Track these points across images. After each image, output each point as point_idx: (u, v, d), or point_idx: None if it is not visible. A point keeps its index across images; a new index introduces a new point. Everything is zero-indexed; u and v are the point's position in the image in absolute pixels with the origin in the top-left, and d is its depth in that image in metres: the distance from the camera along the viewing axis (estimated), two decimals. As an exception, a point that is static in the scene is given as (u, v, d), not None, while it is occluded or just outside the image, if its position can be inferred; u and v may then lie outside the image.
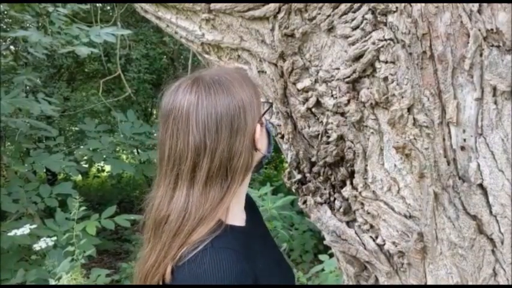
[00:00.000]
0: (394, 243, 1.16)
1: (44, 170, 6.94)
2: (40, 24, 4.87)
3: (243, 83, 1.07)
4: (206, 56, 1.39)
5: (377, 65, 1.07)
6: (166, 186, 1.04)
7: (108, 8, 6.88)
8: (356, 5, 1.08)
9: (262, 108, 1.10)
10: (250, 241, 1.11)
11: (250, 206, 1.25)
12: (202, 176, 1.01)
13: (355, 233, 1.26)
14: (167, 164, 1.04)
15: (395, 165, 1.12)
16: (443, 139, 1.03)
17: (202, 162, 1.01)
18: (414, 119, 1.04)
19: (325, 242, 1.33)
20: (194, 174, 1.01)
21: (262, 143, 1.09)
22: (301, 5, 1.13)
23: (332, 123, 1.20)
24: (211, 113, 1.00)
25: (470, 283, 1.08)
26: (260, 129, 1.07)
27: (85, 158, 5.73)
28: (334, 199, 1.29)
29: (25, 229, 3.33)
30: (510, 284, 1.04)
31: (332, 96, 1.18)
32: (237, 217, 1.10)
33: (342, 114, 1.18)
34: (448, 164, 1.04)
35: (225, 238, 1.00)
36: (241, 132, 1.02)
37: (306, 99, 1.23)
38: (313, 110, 1.23)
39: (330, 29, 1.12)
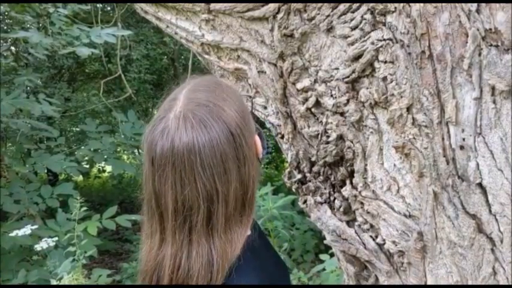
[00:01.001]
0: (394, 242, 1.17)
1: (45, 171, 6.95)
2: (41, 25, 4.87)
3: (226, 97, 0.99)
4: (206, 56, 1.40)
5: (376, 64, 1.07)
6: (179, 242, 0.93)
7: (109, 8, 6.89)
8: (355, 5, 1.08)
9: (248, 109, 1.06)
10: (261, 249, 1.10)
11: None
12: (221, 223, 0.93)
13: (355, 232, 1.26)
14: (175, 217, 0.93)
15: (394, 165, 1.12)
16: (443, 138, 1.03)
17: (217, 209, 0.92)
18: (413, 118, 1.05)
19: (325, 242, 1.33)
20: (211, 222, 0.92)
21: (259, 148, 1.05)
22: (300, 6, 1.13)
23: (331, 123, 1.20)
24: (215, 153, 0.91)
25: (470, 282, 1.09)
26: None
27: (86, 158, 5.73)
28: (334, 199, 1.30)
29: (26, 230, 3.34)
30: (510, 282, 1.04)
31: (331, 96, 1.18)
32: (247, 225, 1.07)
33: (342, 114, 1.18)
34: (447, 163, 1.04)
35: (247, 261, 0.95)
36: (247, 158, 0.96)
37: (306, 99, 1.23)
38: (312, 110, 1.24)
39: (329, 29, 1.13)
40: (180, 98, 0.97)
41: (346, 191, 1.23)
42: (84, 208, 3.49)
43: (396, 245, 1.16)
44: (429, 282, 1.15)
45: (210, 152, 0.91)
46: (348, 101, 1.14)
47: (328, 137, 1.23)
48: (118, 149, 5.72)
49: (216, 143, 0.91)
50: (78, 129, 7.56)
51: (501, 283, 1.05)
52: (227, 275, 0.91)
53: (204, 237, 0.92)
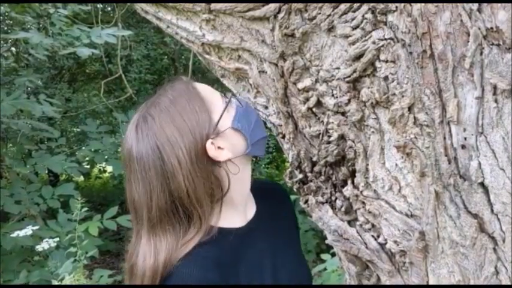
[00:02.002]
0: (395, 242, 1.16)
1: (46, 171, 6.95)
2: (41, 25, 4.87)
3: (171, 110, 1.05)
4: (207, 56, 1.40)
5: (377, 64, 1.07)
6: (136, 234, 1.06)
7: (109, 9, 6.89)
8: (356, 5, 1.08)
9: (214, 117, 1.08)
10: (246, 241, 1.10)
11: (269, 198, 1.23)
12: (146, 228, 1.02)
13: (357, 232, 1.26)
14: (133, 215, 1.06)
15: (396, 164, 1.12)
16: (444, 138, 1.03)
17: (143, 214, 1.02)
18: (415, 118, 1.04)
19: (327, 241, 1.33)
20: (142, 225, 1.03)
21: (231, 147, 1.07)
22: (301, 5, 1.13)
23: (333, 122, 1.20)
24: (142, 162, 1.01)
25: (472, 281, 1.08)
26: (215, 142, 1.06)
27: (87, 159, 5.73)
28: (336, 198, 1.29)
29: (27, 230, 3.34)
30: (512, 282, 1.04)
31: (333, 95, 1.18)
32: (233, 219, 1.10)
33: (343, 113, 1.18)
34: (449, 162, 1.04)
35: (197, 251, 1.00)
36: (177, 171, 1.01)
37: (307, 99, 1.23)
38: (314, 109, 1.24)
39: (330, 29, 1.13)
40: (143, 106, 1.09)
41: (348, 190, 1.23)
42: (85, 208, 3.49)
43: (398, 245, 1.16)
44: (431, 282, 1.15)
45: (138, 160, 1.01)
46: (349, 100, 1.14)
47: (329, 136, 1.23)
48: (119, 150, 5.71)
49: (142, 153, 1.01)
50: (78, 129, 7.56)
51: (503, 282, 1.05)
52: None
53: (144, 237, 1.02)
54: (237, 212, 1.12)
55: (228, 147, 1.08)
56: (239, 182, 1.10)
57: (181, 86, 1.14)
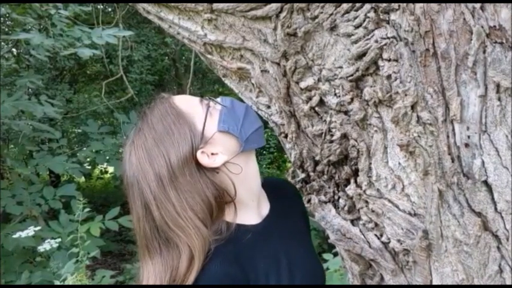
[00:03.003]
0: (399, 241, 1.16)
1: (47, 172, 6.96)
2: (42, 26, 4.88)
3: (145, 138, 1.09)
4: (209, 56, 1.40)
5: (380, 63, 1.07)
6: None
7: (110, 9, 6.90)
8: (358, 3, 1.08)
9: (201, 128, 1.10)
10: (262, 238, 1.11)
11: (280, 195, 1.23)
12: (140, 251, 1.09)
13: (360, 231, 1.26)
14: None
15: (399, 163, 1.12)
16: (447, 136, 1.03)
17: (137, 237, 1.08)
18: (418, 116, 1.04)
19: (329, 241, 1.33)
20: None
21: (224, 150, 1.08)
22: (303, 4, 1.13)
23: (335, 121, 1.20)
24: (128, 192, 1.07)
25: (475, 280, 1.08)
26: (206, 150, 1.07)
27: (88, 159, 5.74)
28: (339, 198, 1.29)
29: (29, 231, 3.34)
30: (516, 280, 1.04)
31: (335, 94, 1.18)
32: (247, 216, 1.12)
33: (346, 112, 1.18)
34: (453, 161, 1.04)
35: (216, 244, 1.03)
36: (151, 201, 1.05)
37: (309, 98, 1.23)
38: (316, 108, 1.23)
39: (333, 28, 1.12)
40: (134, 128, 1.13)
41: (351, 189, 1.23)
42: (87, 209, 3.49)
43: (401, 244, 1.16)
44: (434, 281, 1.15)
45: (128, 189, 1.08)
46: (352, 99, 1.14)
47: (332, 135, 1.23)
48: (120, 150, 5.72)
49: (129, 184, 1.07)
50: (80, 130, 7.56)
51: (507, 281, 1.05)
52: None
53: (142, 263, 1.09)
54: (249, 209, 1.13)
55: (221, 150, 1.09)
56: (245, 180, 1.11)
57: (159, 108, 1.14)
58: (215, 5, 1.23)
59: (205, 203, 1.06)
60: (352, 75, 1.12)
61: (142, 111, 1.15)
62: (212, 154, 1.09)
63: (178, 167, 1.05)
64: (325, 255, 3.77)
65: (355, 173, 1.22)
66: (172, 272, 1.01)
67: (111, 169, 7.96)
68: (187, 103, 1.13)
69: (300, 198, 1.30)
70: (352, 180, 1.24)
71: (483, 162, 1.01)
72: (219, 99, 1.15)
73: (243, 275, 1.03)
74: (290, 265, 1.13)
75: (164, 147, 1.07)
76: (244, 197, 1.12)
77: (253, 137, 1.12)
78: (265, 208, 1.18)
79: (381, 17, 1.05)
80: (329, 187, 1.32)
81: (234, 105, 1.14)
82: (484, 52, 0.96)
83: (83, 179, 9.22)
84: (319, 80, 1.20)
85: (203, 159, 1.07)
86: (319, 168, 1.31)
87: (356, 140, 1.18)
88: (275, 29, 1.18)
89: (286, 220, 1.22)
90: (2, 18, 5.29)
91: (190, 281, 0.99)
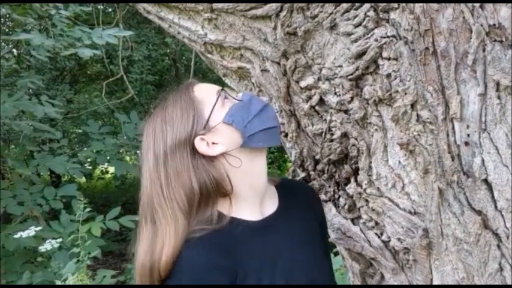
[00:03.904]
0: (399, 239, 1.16)
1: (48, 173, 6.96)
2: (42, 27, 4.88)
3: (152, 121, 1.14)
4: (209, 55, 1.40)
5: (380, 62, 1.07)
6: None
7: (110, 10, 6.90)
8: (358, 3, 1.08)
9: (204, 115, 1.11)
10: (259, 236, 1.11)
11: (297, 198, 1.22)
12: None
13: (360, 230, 1.26)
14: None
15: (399, 162, 1.12)
16: (447, 135, 1.03)
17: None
18: (418, 115, 1.05)
19: (330, 240, 1.33)
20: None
21: (225, 141, 1.10)
22: (303, 4, 1.13)
23: (336, 120, 1.20)
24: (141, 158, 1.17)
25: (476, 278, 1.08)
26: (207, 138, 1.09)
27: (89, 159, 5.73)
28: (339, 196, 1.30)
29: (30, 231, 3.34)
30: (516, 278, 1.04)
31: (335, 93, 1.18)
32: (244, 211, 1.12)
33: (346, 111, 1.18)
34: (453, 159, 1.04)
35: (202, 232, 1.04)
36: (144, 181, 1.12)
37: (309, 97, 1.23)
38: (316, 108, 1.24)
39: (332, 27, 1.13)
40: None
41: (351, 188, 1.23)
42: (88, 209, 3.49)
43: (401, 242, 1.16)
44: (435, 279, 1.15)
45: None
46: (352, 98, 1.14)
47: (332, 134, 1.23)
48: (121, 150, 5.73)
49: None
50: (80, 130, 7.56)
51: (507, 279, 1.05)
52: None
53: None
54: (250, 205, 1.12)
55: (222, 141, 1.10)
56: (247, 175, 1.11)
57: (177, 92, 1.18)
58: (215, 5, 1.23)
59: (190, 190, 1.08)
60: (352, 74, 1.12)
61: (165, 93, 1.20)
62: (213, 143, 1.10)
63: (171, 149, 1.09)
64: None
65: (356, 171, 1.23)
66: (152, 254, 1.04)
67: (111, 169, 7.96)
68: (204, 91, 1.16)
69: (319, 205, 1.28)
70: (352, 179, 1.24)
71: (483, 161, 1.01)
72: (240, 94, 1.15)
73: (231, 267, 1.04)
74: (289, 269, 1.10)
75: (166, 128, 1.11)
76: (244, 192, 1.12)
77: (261, 136, 1.11)
78: (270, 207, 1.16)
79: (381, 16, 1.05)
80: (329, 186, 1.32)
81: (251, 101, 1.13)
82: (484, 50, 0.96)
83: (83, 179, 9.21)
84: (319, 79, 1.20)
85: (201, 146, 1.09)
86: (319, 167, 1.31)
87: (356, 139, 1.18)
88: (275, 28, 1.18)
89: (296, 223, 1.19)
90: (2, 19, 5.29)
91: (163, 265, 1.01)
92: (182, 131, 1.10)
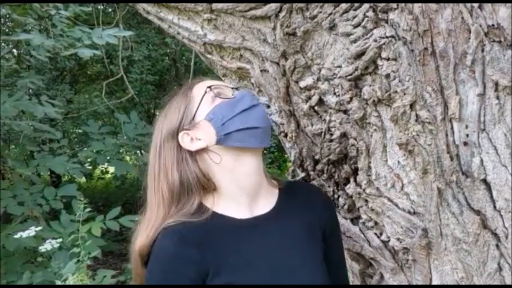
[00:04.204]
0: (398, 239, 1.17)
1: (48, 173, 6.96)
2: (42, 27, 4.88)
3: (162, 115, 1.20)
4: (209, 56, 1.40)
5: (379, 62, 1.08)
6: None
7: (110, 10, 6.90)
8: (357, 3, 1.08)
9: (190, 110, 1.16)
10: (242, 235, 1.11)
11: (304, 202, 1.20)
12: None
13: (360, 230, 1.27)
14: None
15: (398, 162, 1.12)
16: (446, 135, 1.04)
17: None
18: (417, 115, 1.05)
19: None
20: None
21: (206, 138, 1.13)
22: (302, 4, 1.13)
23: (335, 120, 1.20)
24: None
25: (475, 278, 1.09)
26: (192, 133, 1.14)
27: (89, 159, 5.73)
28: (338, 196, 1.30)
29: (30, 231, 3.34)
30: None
31: (334, 94, 1.18)
32: (229, 209, 1.14)
33: (345, 111, 1.18)
34: (451, 159, 1.04)
35: (177, 222, 1.10)
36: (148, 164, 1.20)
37: (309, 98, 1.23)
38: (316, 108, 1.24)
39: (332, 27, 1.13)
40: None
41: (350, 188, 1.24)
42: (88, 209, 3.49)
43: (401, 242, 1.16)
44: (434, 279, 1.15)
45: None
46: (351, 98, 1.14)
47: (331, 134, 1.23)
48: (121, 150, 5.72)
49: None
50: (80, 130, 7.56)
51: (506, 279, 1.05)
52: None
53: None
54: (236, 202, 1.12)
55: (203, 137, 1.14)
56: (229, 173, 1.12)
57: (181, 87, 1.24)
58: (214, 5, 1.24)
59: (171, 182, 1.13)
60: (351, 74, 1.12)
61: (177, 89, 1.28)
62: (197, 139, 1.14)
63: (164, 140, 1.16)
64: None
65: (355, 171, 1.23)
66: (134, 239, 1.14)
67: (111, 169, 7.96)
68: (200, 88, 1.19)
69: (327, 209, 1.22)
70: (351, 179, 1.24)
71: (482, 161, 1.01)
72: (236, 92, 1.17)
73: (201, 260, 1.07)
74: (269, 271, 1.09)
75: (163, 121, 1.19)
76: (229, 190, 1.13)
77: (238, 135, 1.11)
78: (262, 208, 1.15)
79: (380, 16, 1.05)
80: (329, 186, 1.32)
81: (240, 100, 1.14)
82: (483, 51, 0.96)
83: (83, 179, 9.21)
84: (318, 79, 1.20)
85: (183, 140, 1.14)
86: (319, 167, 1.31)
87: (355, 139, 1.18)
88: (274, 28, 1.18)
89: (290, 226, 1.17)
90: (2, 19, 5.29)
91: (139, 250, 1.11)
92: (172, 124, 1.16)
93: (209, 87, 1.16)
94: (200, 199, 1.14)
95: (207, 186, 1.14)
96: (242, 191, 1.14)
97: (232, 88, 1.20)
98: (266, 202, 1.17)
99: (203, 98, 1.15)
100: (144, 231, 1.12)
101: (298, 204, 1.20)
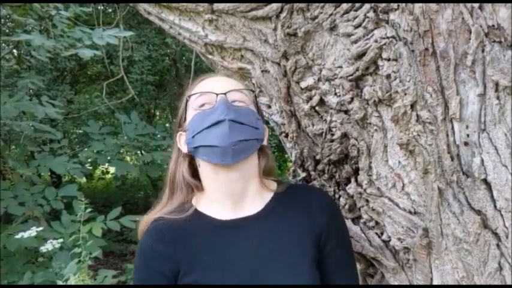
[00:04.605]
0: (399, 239, 1.17)
1: (49, 173, 6.96)
2: (43, 27, 4.88)
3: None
4: (210, 56, 1.40)
5: (379, 62, 1.08)
6: None
7: (110, 10, 6.90)
8: (358, 4, 1.09)
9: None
10: (221, 234, 1.13)
11: (302, 207, 1.16)
12: None
13: (361, 229, 1.27)
14: None
15: (399, 162, 1.12)
16: (447, 135, 1.04)
17: None
18: (417, 115, 1.05)
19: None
20: None
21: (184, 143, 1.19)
22: (303, 5, 1.14)
23: (336, 121, 1.21)
24: None
25: (475, 278, 1.09)
26: (182, 134, 1.19)
27: (89, 160, 5.73)
28: (339, 196, 1.30)
29: (31, 231, 3.34)
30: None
31: (335, 94, 1.19)
32: (213, 209, 1.16)
33: (346, 112, 1.18)
34: (452, 159, 1.04)
35: (160, 219, 1.18)
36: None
37: (310, 98, 1.24)
38: (316, 108, 1.24)
39: (332, 28, 1.13)
40: None
41: (351, 188, 1.24)
42: (89, 209, 3.49)
43: (402, 242, 1.17)
44: (435, 278, 1.16)
45: None
46: (352, 99, 1.14)
47: (332, 135, 1.23)
48: (121, 151, 5.72)
49: None
50: (81, 131, 7.56)
51: (507, 278, 1.06)
52: None
53: None
54: (217, 203, 1.14)
55: (184, 144, 1.19)
56: (210, 179, 1.16)
57: (200, 78, 1.26)
58: (216, 6, 1.24)
59: (169, 178, 1.22)
60: (352, 74, 1.12)
61: None
62: (185, 142, 1.19)
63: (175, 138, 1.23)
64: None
65: (356, 171, 1.23)
66: (143, 226, 1.21)
67: (112, 169, 7.96)
68: (200, 87, 1.22)
69: (326, 215, 1.16)
70: (352, 179, 1.24)
71: (482, 161, 1.01)
72: (216, 102, 1.13)
73: (173, 256, 1.12)
74: (244, 272, 1.08)
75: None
76: (212, 193, 1.17)
77: (204, 150, 1.12)
78: (248, 210, 1.13)
79: (380, 16, 1.06)
80: (330, 186, 1.32)
81: (211, 113, 1.09)
82: (483, 51, 0.97)
83: (84, 179, 9.22)
84: (319, 79, 1.20)
85: (179, 140, 1.21)
86: (319, 167, 1.31)
87: (356, 139, 1.19)
88: (275, 29, 1.19)
89: (278, 230, 1.14)
90: (2, 20, 5.30)
91: (139, 234, 1.20)
92: (177, 120, 1.23)
93: (189, 96, 1.17)
94: (186, 197, 1.20)
95: (194, 187, 1.19)
96: (225, 196, 1.15)
97: (217, 94, 1.13)
98: (254, 204, 1.14)
99: (186, 106, 1.19)
100: (147, 217, 1.21)
101: (293, 207, 1.16)
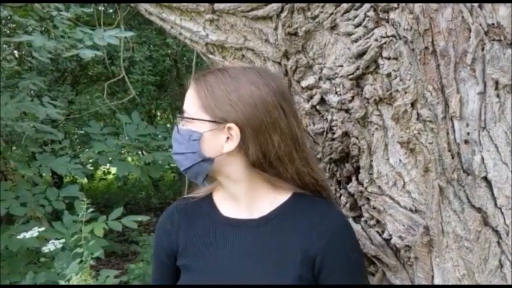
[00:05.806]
0: (400, 237, 1.17)
1: (50, 174, 6.97)
2: (44, 28, 4.89)
3: None
4: (211, 56, 1.41)
5: (380, 61, 1.08)
6: None
7: (111, 11, 6.91)
8: (358, 3, 1.09)
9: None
10: (215, 229, 1.15)
11: (296, 220, 1.11)
12: None
13: (362, 228, 1.27)
14: None
15: (400, 160, 1.13)
16: (447, 133, 1.04)
17: None
18: (418, 114, 1.06)
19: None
20: None
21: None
22: (303, 4, 1.14)
23: (337, 120, 1.21)
24: None
25: (476, 275, 1.09)
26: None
27: (91, 160, 5.74)
28: (340, 195, 1.31)
29: (33, 232, 3.35)
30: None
31: (336, 93, 1.19)
32: (223, 203, 1.18)
33: (346, 110, 1.19)
34: (453, 157, 1.05)
35: (185, 200, 1.23)
36: None
37: (311, 97, 1.24)
38: (317, 107, 1.25)
39: (333, 27, 1.14)
40: None
41: (352, 187, 1.24)
42: (90, 210, 3.50)
43: (403, 240, 1.17)
44: (436, 276, 1.16)
45: None
46: (352, 97, 1.15)
47: (333, 133, 1.24)
48: (122, 151, 5.72)
49: None
50: (82, 131, 7.57)
51: (508, 276, 1.06)
52: None
53: None
54: (227, 201, 1.16)
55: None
56: (220, 180, 1.17)
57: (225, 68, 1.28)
58: (216, 6, 1.25)
59: None
60: (352, 73, 1.13)
61: None
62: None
63: None
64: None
65: (357, 170, 1.24)
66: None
67: (113, 170, 7.96)
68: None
69: (326, 240, 1.08)
70: (353, 178, 1.25)
71: (483, 159, 1.02)
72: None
73: (174, 235, 1.18)
74: (225, 272, 1.10)
75: None
76: (225, 189, 1.17)
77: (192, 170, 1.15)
78: (245, 214, 1.11)
79: (381, 16, 1.06)
80: (331, 185, 1.33)
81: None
82: (483, 50, 0.97)
83: (85, 180, 9.23)
84: (320, 78, 1.21)
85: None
86: (320, 166, 1.32)
87: (357, 138, 1.19)
88: (276, 28, 1.19)
89: (273, 243, 1.10)
90: (3, 21, 5.31)
91: None
92: None
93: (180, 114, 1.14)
94: (211, 186, 1.21)
95: (214, 177, 1.18)
96: (228, 195, 1.16)
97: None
98: (264, 205, 1.13)
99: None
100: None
101: (295, 221, 1.11)
